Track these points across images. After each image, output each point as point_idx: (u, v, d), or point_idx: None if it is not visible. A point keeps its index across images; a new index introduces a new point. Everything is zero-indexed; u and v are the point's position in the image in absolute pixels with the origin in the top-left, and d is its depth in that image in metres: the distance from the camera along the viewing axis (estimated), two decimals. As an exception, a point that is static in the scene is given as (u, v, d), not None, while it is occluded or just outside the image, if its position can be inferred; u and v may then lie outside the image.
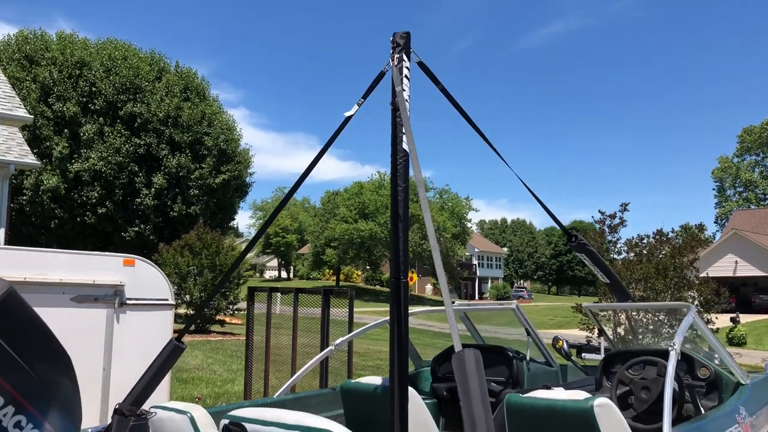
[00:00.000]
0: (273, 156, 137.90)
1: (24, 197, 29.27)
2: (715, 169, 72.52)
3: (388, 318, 5.52)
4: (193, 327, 19.93)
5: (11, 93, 18.09)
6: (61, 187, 29.48)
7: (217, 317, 22.22)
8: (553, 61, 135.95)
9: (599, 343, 6.22)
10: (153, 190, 31.09)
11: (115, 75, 31.10)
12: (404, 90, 3.62)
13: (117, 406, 2.96)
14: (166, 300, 6.25)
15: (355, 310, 7.83)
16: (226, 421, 2.92)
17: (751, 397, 3.94)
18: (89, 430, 3.26)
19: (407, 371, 3.57)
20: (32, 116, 19.21)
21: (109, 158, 30.06)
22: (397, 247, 3.68)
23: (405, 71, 3.66)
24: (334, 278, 72.09)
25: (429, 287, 72.25)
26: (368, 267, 69.44)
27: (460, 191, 59.41)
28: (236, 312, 22.67)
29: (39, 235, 30.72)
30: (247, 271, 26.06)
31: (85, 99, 30.63)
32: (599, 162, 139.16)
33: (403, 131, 3.68)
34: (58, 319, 5.65)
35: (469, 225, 63.61)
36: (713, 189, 74.61)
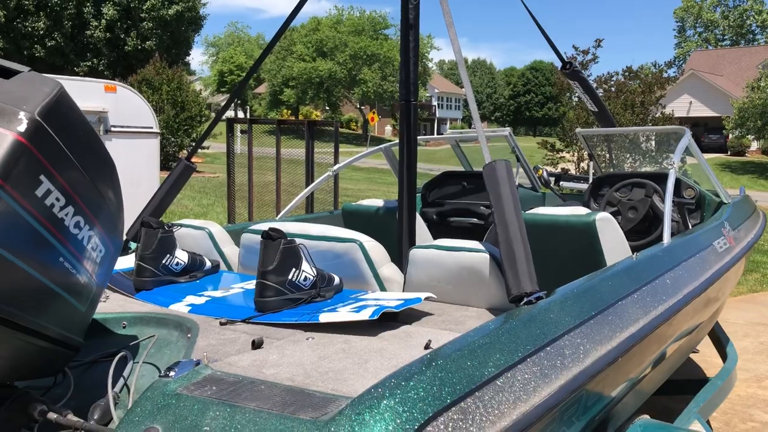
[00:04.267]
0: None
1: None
2: (678, 9, 71.60)
3: (383, 145, 5.61)
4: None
5: None
6: (0, 15, 27.62)
7: (180, 154, 22.05)
8: None
9: (576, 173, 6.50)
10: (103, 21, 29.43)
11: None
12: None
13: (143, 219, 3.02)
14: (151, 128, 6.14)
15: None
16: (258, 231, 3.00)
17: (733, 214, 4.23)
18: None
19: (415, 187, 3.68)
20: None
21: (53, -14, 28.10)
22: (407, 69, 3.66)
23: None
24: (293, 119, 71.17)
25: (388, 128, 72.20)
26: (327, 108, 68.60)
27: (421, 29, 57.60)
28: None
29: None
30: (204, 110, 25.45)
31: None
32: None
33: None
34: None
35: (429, 65, 62.48)
36: (673, 29, 74.05)
